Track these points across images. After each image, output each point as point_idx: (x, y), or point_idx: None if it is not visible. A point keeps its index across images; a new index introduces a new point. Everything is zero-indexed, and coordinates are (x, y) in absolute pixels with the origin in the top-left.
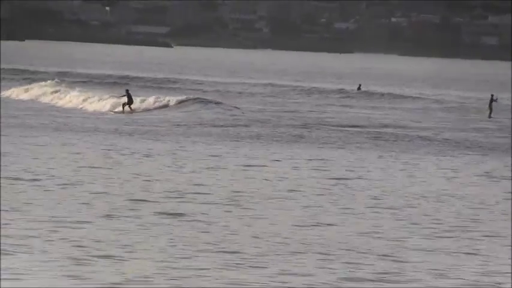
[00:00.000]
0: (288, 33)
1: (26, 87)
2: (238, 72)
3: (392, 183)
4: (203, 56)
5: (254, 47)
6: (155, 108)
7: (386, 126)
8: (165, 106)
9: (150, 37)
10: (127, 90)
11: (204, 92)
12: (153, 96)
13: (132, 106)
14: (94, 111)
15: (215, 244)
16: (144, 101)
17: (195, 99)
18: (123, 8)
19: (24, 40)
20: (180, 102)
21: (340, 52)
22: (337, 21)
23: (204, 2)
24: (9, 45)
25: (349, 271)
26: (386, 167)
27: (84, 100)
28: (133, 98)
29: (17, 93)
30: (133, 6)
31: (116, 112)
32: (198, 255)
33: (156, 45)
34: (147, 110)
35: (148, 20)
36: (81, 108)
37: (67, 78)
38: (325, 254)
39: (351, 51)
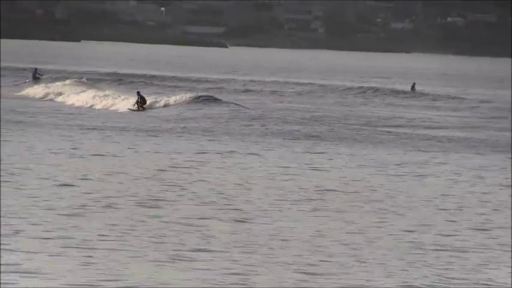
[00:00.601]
0: (343, 33)
1: (43, 85)
2: (293, 71)
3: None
4: (258, 56)
5: (309, 47)
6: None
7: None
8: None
9: (206, 37)
10: (138, 92)
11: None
12: (179, 95)
13: (145, 106)
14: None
15: None
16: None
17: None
18: (178, 9)
19: (80, 41)
20: (191, 100)
21: (396, 52)
22: (393, 21)
23: (259, 3)
24: (64, 46)
25: None
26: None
27: (93, 98)
28: (146, 98)
29: (35, 92)
30: (188, 7)
31: (131, 109)
32: None
33: (211, 46)
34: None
35: (204, 20)
36: (90, 106)
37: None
38: None
39: (406, 51)
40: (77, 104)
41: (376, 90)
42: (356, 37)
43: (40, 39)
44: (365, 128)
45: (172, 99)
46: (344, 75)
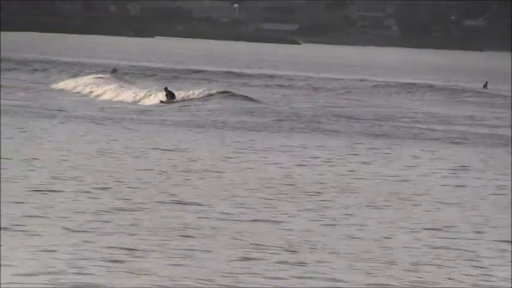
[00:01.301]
0: (416, 30)
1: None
2: (363, 69)
3: None
4: (330, 53)
5: (382, 44)
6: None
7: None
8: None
9: (279, 34)
10: (165, 88)
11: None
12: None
13: (173, 100)
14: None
15: None
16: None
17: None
18: (252, 7)
19: (153, 37)
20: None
21: (470, 50)
22: (467, 19)
23: (331, 2)
24: (139, 42)
25: None
26: None
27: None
28: (175, 93)
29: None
30: (262, 4)
31: (162, 102)
32: None
33: (284, 43)
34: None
35: (277, 18)
36: (118, 100)
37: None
38: None
39: (480, 49)
40: (105, 97)
41: (442, 89)
42: (429, 35)
43: (114, 35)
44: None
45: (195, 93)
46: (414, 73)
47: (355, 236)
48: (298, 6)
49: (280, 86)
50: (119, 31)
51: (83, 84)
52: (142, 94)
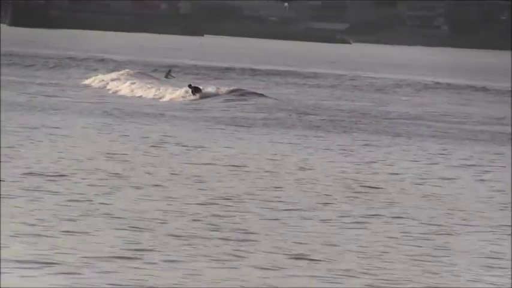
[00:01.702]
0: (466, 30)
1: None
2: (411, 68)
3: None
4: (380, 52)
5: (432, 44)
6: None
7: None
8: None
9: (328, 33)
10: (189, 85)
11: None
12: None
13: (199, 94)
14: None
15: None
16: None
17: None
18: (301, 5)
19: (203, 35)
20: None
21: None
22: None
23: (381, 0)
24: (188, 40)
25: None
26: None
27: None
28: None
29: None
30: (312, 4)
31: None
32: None
33: (334, 42)
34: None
35: (327, 16)
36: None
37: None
38: None
39: None
40: (127, 93)
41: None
42: (479, 34)
43: (164, 33)
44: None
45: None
46: (462, 73)
47: None
48: (348, 4)
49: (321, 85)
50: (168, 29)
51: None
52: (167, 90)
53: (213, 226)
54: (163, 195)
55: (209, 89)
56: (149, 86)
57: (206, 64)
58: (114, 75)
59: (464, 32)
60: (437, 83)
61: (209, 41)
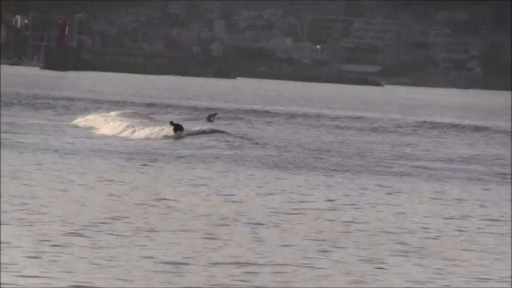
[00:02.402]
0: (499, 72)
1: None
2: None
3: None
4: (410, 94)
5: (465, 86)
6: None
7: None
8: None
9: (361, 75)
10: (171, 122)
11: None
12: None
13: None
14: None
15: None
16: None
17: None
18: (334, 47)
19: (235, 78)
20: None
21: None
22: None
23: (415, 42)
24: (219, 84)
25: None
26: None
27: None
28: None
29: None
30: (345, 45)
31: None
32: None
33: (366, 84)
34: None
35: (360, 59)
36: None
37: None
38: None
39: None
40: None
41: None
42: None
43: (195, 75)
44: None
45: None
46: (483, 114)
47: None
48: (380, 47)
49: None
50: (200, 71)
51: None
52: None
53: None
54: None
55: (194, 128)
56: (133, 125)
57: (231, 106)
58: (112, 113)
59: (497, 74)
60: (453, 124)
61: (241, 83)
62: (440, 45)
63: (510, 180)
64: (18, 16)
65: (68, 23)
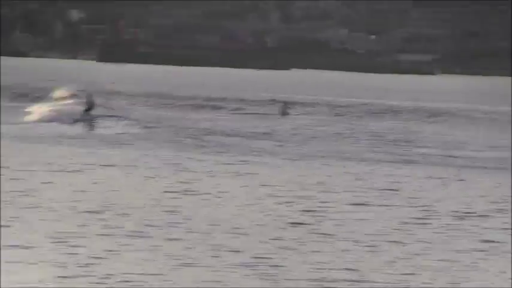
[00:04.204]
0: None
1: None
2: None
3: None
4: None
5: None
6: None
7: None
8: None
9: (416, 65)
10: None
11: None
12: None
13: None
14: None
15: None
16: None
17: None
18: (389, 37)
19: (289, 69)
20: None
21: None
22: None
23: (471, 31)
24: (270, 75)
25: None
26: None
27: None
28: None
29: None
30: (400, 35)
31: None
32: None
33: (420, 73)
34: None
35: (415, 48)
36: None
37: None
38: None
39: None
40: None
41: None
42: None
43: (250, 67)
44: None
45: None
46: None
47: None
48: (437, 36)
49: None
50: (255, 63)
51: None
52: None
53: None
54: None
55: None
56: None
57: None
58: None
59: None
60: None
61: (296, 74)
62: (498, 33)
63: None
64: (74, 10)
65: (123, 16)
